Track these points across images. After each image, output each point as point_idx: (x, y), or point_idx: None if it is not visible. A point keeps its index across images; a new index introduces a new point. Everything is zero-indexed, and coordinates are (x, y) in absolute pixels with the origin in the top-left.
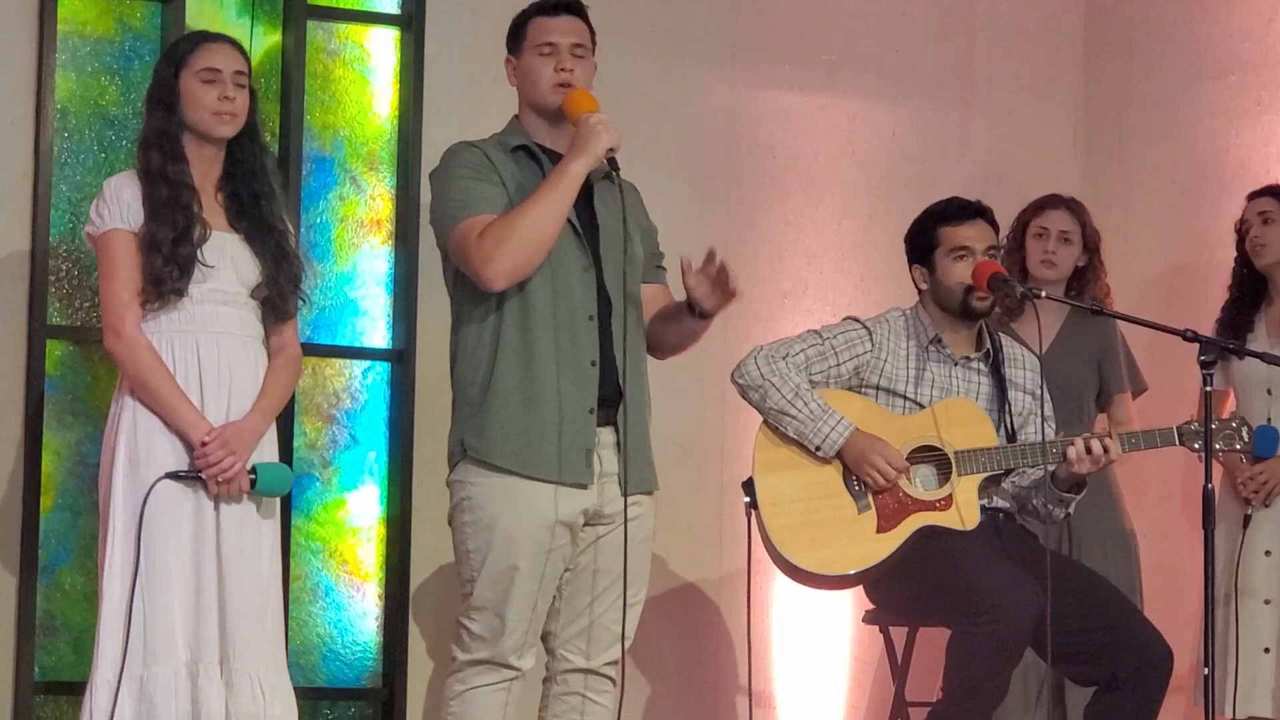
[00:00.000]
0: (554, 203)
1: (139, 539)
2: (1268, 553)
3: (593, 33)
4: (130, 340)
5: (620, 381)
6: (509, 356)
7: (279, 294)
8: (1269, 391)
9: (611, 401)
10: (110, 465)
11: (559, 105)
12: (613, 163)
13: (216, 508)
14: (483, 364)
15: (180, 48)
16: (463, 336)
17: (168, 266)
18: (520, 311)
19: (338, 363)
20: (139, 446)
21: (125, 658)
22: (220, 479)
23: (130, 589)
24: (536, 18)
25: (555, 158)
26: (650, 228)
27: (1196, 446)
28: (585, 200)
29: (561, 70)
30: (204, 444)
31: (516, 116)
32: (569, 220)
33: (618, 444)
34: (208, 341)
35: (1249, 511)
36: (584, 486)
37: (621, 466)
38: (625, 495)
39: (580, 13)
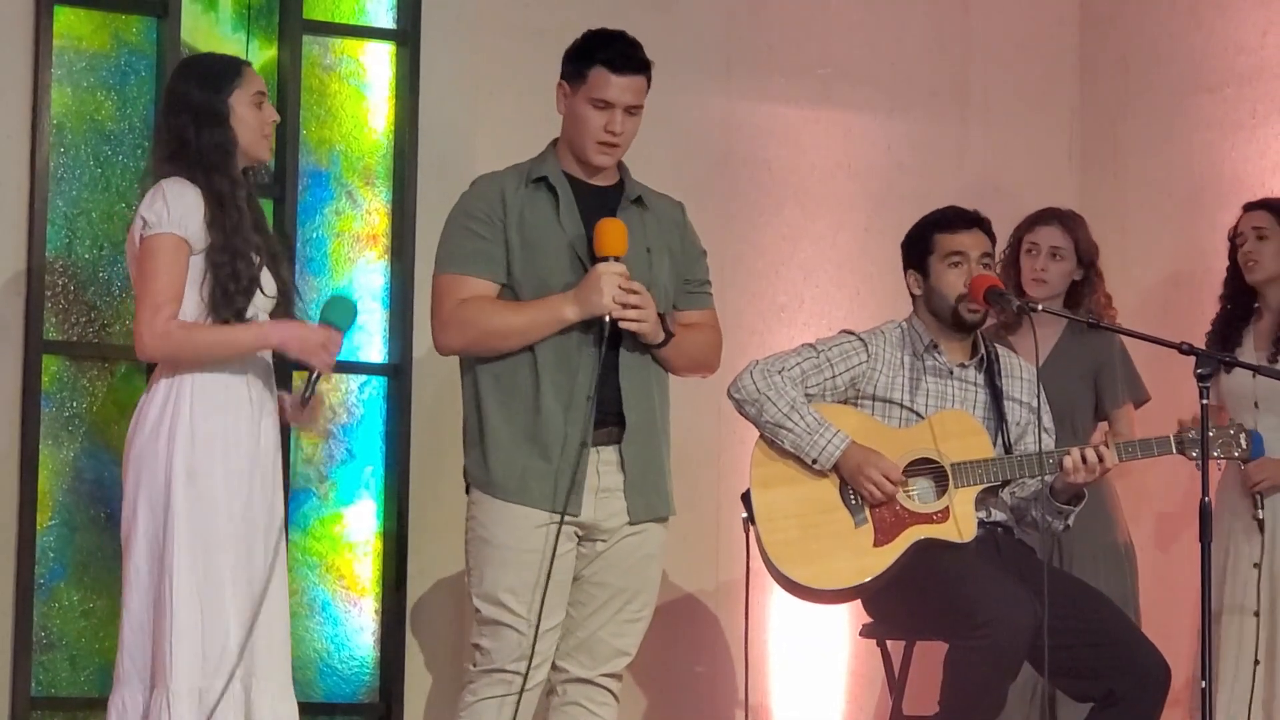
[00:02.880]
0: (527, 331)
1: (201, 552)
2: (1256, 565)
3: (650, 83)
4: (162, 334)
5: (624, 410)
6: (505, 391)
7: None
8: (1256, 405)
9: (617, 423)
10: (165, 477)
11: (596, 161)
12: (602, 326)
13: (277, 525)
14: (484, 395)
15: (221, 69)
16: (467, 367)
17: (242, 293)
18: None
19: (334, 377)
20: (198, 457)
21: (190, 670)
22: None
23: (196, 602)
24: (600, 67)
25: (578, 187)
26: (689, 249)
27: (1194, 455)
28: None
29: (610, 131)
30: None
31: (555, 142)
32: (579, 259)
33: (620, 463)
34: (254, 356)
35: (1259, 515)
36: (574, 515)
37: (625, 492)
38: (570, 518)
39: (646, 72)
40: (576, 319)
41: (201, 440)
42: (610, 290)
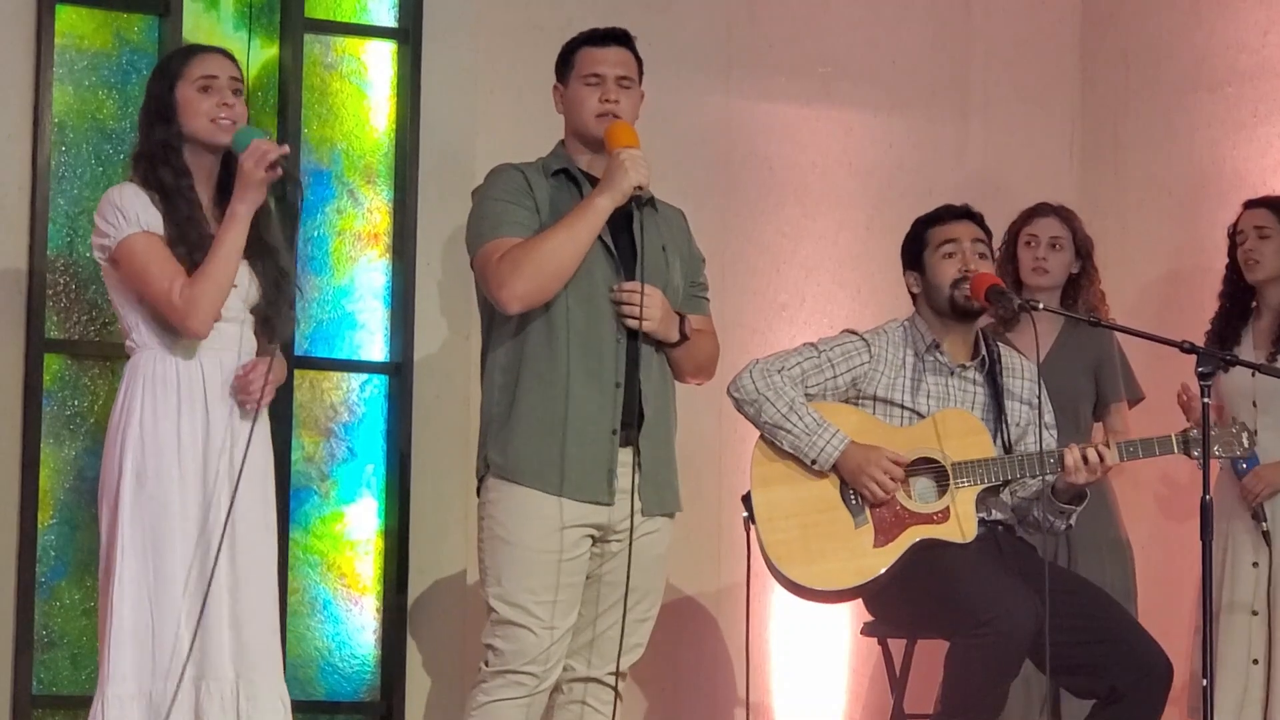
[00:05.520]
0: (574, 234)
1: (150, 553)
2: (1255, 564)
3: (640, 63)
4: (184, 307)
5: (642, 404)
6: (535, 376)
7: (277, 316)
8: (1254, 404)
9: (635, 423)
10: (116, 479)
11: (601, 136)
12: (638, 200)
13: (232, 522)
14: (510, 382)
15: (172, 61)
16: (492, 354)
17: None
18: (547, 332)
19: (335, 376)
20: (147, 461)
21: (138, 672)
22: None
23: (145, 604)
24: (585, 48)
25: (594, 183)
26: (694, 255)
27: (1196, 454)
28: (625, 225)
29: (606, 101)
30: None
31: (562, 141)
32: (604, 244)
33: (638, 463)
34: (211, 359)
35: (1265, 527)
36: (606, 504)
37: (640, 485)
38: (633, 517)
39: (628, 44)
40: (611, 204)
41: (151, 444)
42: (634, 168)
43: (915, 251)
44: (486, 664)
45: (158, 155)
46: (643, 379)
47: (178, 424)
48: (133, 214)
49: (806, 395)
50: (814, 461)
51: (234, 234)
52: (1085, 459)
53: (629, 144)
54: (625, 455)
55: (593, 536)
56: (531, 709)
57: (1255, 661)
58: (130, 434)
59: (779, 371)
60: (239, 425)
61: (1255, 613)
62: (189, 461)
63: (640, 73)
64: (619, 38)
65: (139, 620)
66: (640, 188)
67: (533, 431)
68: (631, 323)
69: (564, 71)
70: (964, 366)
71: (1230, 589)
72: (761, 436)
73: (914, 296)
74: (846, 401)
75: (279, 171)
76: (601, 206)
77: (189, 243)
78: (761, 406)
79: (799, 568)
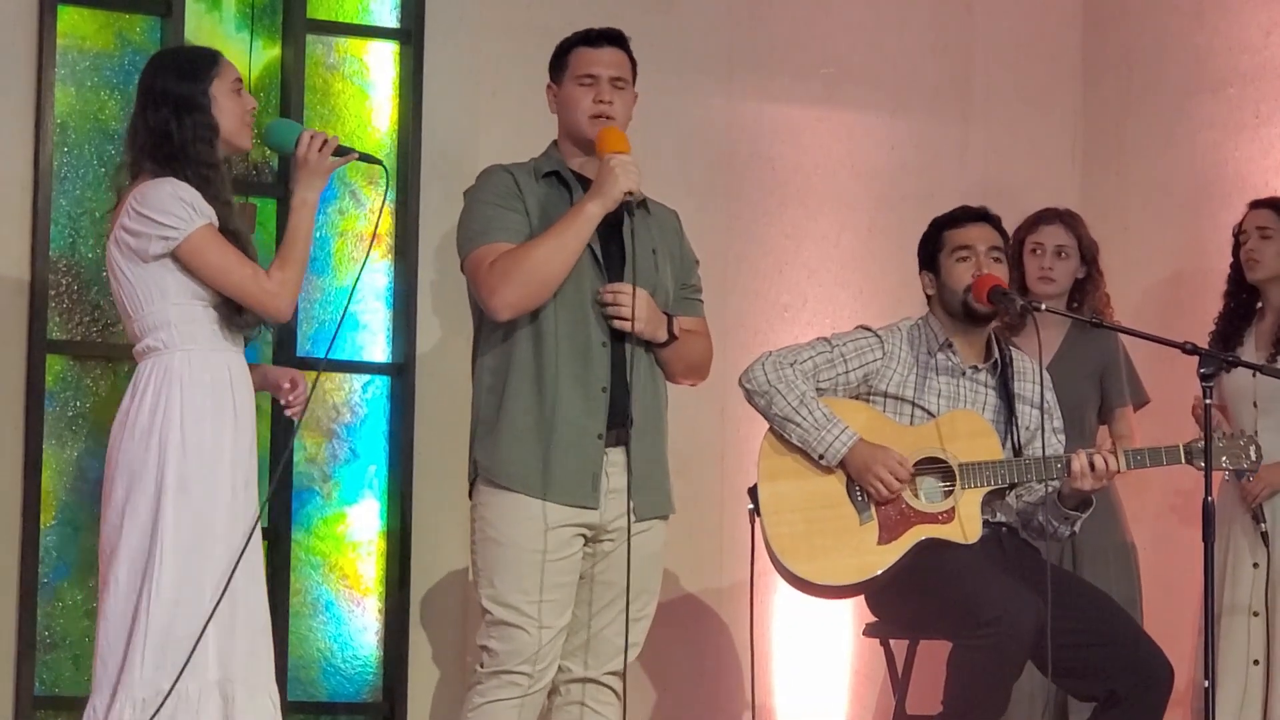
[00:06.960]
0: (564, 241)
1: (188, 559)
2: (1255, 565)
3: (634, 64)
4: (277, 290)
5: (630, 407)
6: (522, 380)
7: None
8: (1254, 404)
9: (624, 424)
10: (156, 486)
11: (594, 137)
12: (629, 206)
13: (246, 526)
14: (498, 385)
15: (199, 59)
16: (481, 357)
17: None
18: (534, 336)
19: (337, 377)
20: (189, 467)
21: (159, 675)
22: None
23: (176, 607)
24: (579, 48)
25: (588, 185)
26: (686, 256)
27: (1203, 466)
28: (614, 228)
29: (599, 102)
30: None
31: (555, 142)
32: (590, 248)
33: (628, 464)
34: (235, 360)
35: (1264, 528)
36: (592, 508)
37: (630, 487)
38: (629, 519)
39: (623, 44)
40: (601, 211)
41: (193, 450)
42: (625, 174)
43: (930, 253)
44: (481, 665)
45: (199, 152)
46: (630, 382)
47: (213, 427)
48: (202, 207)
49: (818, 390)
50: (821, 456)
51: (309, 221)
52: (1092, 465)
53: (619, 149)
54: (614, 456)
55: (584, 536)
56: (527, 709)
57: (1256, 662)
58: (171, 439)
59: (791, 365)
60: (252, 434)
61: (1256, 614)
62: (223, 465)
63: (634, 74)
64: (613, 38)
65: (165, 627)
66: (630, 193)
67: (519, 435)
68: (618, 324)
69: (557, 71)
70: (975, 368)
71: (1231, 590)
72: (770, 430)
73: (928, 297)
74: (857, 397)
75: (352, 155)
76: (591, 213)
77: (229, 234)
78: (772, 398)
79: (802, 562)
